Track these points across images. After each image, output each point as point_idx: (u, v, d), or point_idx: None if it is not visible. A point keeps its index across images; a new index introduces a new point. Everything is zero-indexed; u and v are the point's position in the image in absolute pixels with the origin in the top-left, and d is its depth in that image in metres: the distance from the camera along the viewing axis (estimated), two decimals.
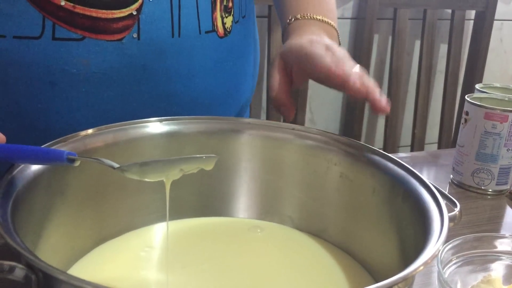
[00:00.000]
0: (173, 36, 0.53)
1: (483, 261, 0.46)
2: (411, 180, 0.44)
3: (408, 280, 0.34)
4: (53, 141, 0.43)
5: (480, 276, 0.44)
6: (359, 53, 1.37)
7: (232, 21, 0.60)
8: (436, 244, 0.34)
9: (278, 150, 0.52)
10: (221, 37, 0.58)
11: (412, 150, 1.47)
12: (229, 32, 0.60)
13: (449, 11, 1.44)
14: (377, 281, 0.45)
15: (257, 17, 0.74)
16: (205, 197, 0.52)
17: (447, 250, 0.46)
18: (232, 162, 0.52)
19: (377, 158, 0.47)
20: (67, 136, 0.44)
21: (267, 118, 1.31)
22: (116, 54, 0.51)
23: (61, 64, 0.50)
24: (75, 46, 0.50)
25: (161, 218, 0.51)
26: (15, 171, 0.38)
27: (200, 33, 0.55)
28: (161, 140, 0.49)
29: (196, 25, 0.55)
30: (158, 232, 0.50)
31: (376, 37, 1.43)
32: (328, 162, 0.50)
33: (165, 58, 0.53)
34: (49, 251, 0.40)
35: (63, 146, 0.43)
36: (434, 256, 0.33)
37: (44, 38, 0.49)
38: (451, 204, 0.42)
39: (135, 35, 0.51)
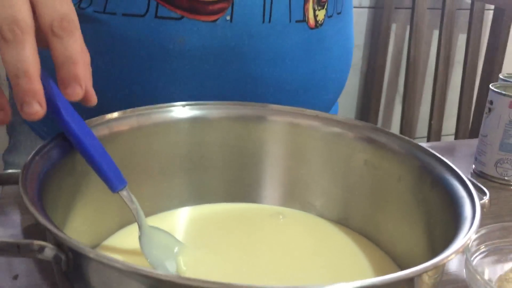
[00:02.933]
0: (263, 22, 0.56)
1: (511, 251, 0.46)
2: (439, 167, 0.43)
3: (439, 268, 0.34)
4: None
5: (509, 266, 0.44)
6: (376, 42, 1.35)
7: (325, 15, 0.61)
8: (469, 231, 0.33)
9: (302, 136, 0.51)
10: (311, 28, 0.60)
11: (428, 141, 1.46)
12: (321, 24, 0.61)
13: (469, 1, 1.42)
14: (403, 270, 0.44)
15: None
16: (228, 183, 0.52)
17: (474, 239, 0.45)
18: (255, 148, 0.52)
19: (403, 145, 0.47)
20: (92, 119, 0.44)
21: None
22: (210, 35, 0.54)
23: (160, 40, 0.54)
24: (174, 25, 0.54)
25: (185, 203, 0.51)
26: (42, 152, 0.38)
27: (290, 21, 0.57)
28: (185, 125, 0.49)
29: (287, 13, 0.57)
30: (181, 216, 0.50)
31: (393, 27, 1.41)
32: (352, 149, 0.50)
33: (254, 41, 0.56)
34: (74, 234, 0.40)
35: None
36: (466, 244, 0.33)
37: (148, 16, 0.54)
38: (479, 192, 0.42)
39: (228, 18, 0.54)
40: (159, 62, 0.55)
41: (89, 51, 0.38)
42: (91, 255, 0.29)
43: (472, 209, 0.36)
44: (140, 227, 0.42)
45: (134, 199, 0.41)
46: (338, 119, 0.50)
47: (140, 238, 0.42)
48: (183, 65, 0.55)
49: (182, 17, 0.54)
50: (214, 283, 0.26)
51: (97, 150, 0.39)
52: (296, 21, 0.58)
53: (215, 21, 0.54)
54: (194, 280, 0.26)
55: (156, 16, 0.53)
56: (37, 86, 0.34)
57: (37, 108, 0.34)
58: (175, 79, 0.56)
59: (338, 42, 0.65)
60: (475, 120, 1.48)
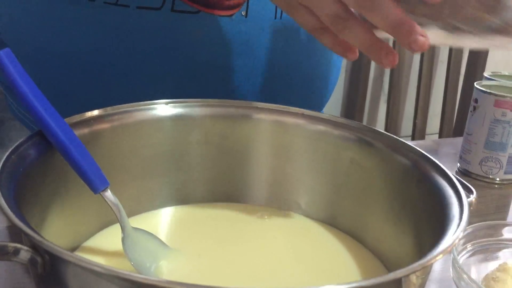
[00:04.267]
0: (275, 18, 0.58)
1: (497, 249, 0.45)
2: (425, 165, 0.43)
3: (427, 268, 0.33)
4: None
5: (495, 264, 0.44)
6: None
7: None
8: (457, 230, 0.33)
9: (287, 135, 0.50)
10: None
11: (413, 140, 1.46)
12: None
13: None
14: (390, 270, 0.44)
15: None
16: (212, 183, 0.51)
17: (460, 238, 0.44)
18: (239, 147, 0.51)
19: (389, 143, 0.46)
20: (72, 117, 0.43)
21: None
22: (225, 28, 0.55)
23: (176, 34, 0.55)
24: (190, 19, 0.54)
25: (168, 203, 0.50)
26: (19, 151, 0.37)
27: None
28: (168, 123, 0.48)
29: None
30: (164, 217, 0.49)
31: None
32: (338, 147, 0.49)
33: (266, 34, 0.58)
34: (53, 235, 0.38)
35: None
36: (455, 244, 0.32)
37: (164, 10, 0.54)
38: (466, 190, 0.41)
39: (243, 13, 0.56)
40: (174, 55, 0.56)
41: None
42: (68, 258, 0.27)
43: (459, 208, 0.36)
44: (123, 229, 0.41)
45: (117, 200, 0.40)
46: (323, 117, 0.50)
47: (123, 240, 0.41)
48: (198, 58, 0.56)
49: (199, 11, 0.54)
50: (196, 286, 0.25)
51: (78, 150, 0.38)
52: None
53: (231, 16, 0.56)
54: (176, 283, 0.25)
55: (172, 10, 0.54)
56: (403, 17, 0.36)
57: (422, 39, 0.36)
58: (189, 72, 0.57)
59: None
60: (458, 119, 1.49)
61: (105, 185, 0.39)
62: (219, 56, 0.57)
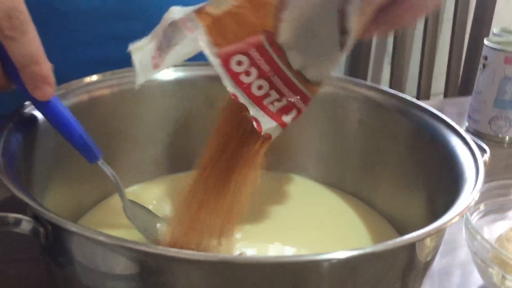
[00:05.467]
0: None
1: (510, 209, 0.44)
2: (437, 124, 0.41)
3: (442, 231, 0.32)
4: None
5: (508, 224, 0.43)
6: None
7: None
8: (473, 191, 0.32)
9: None
10: None
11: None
12: None
13: None
14: (401, 234, 0.43)
15: None
16: None
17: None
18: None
19: (397, 103, 0.45)
20: (70, 82, 0.41)
21: None
22: None
23: (52, 2, 0.49)
24: None
25: (172, 170, 0.48)
26: (19, 117, 0.35)
27: None
28: (170, 87, 0.46)
29: None
30: (167, 185, 0.48)
31: None
32: (345, 108, 0.47)
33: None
34: (55, 205, 0.37)
35: (67, 93, 0.40)
36: (471, 205, 0.31)
37: None
38: (479, 150, 0.40)
39: None
40: (55, 27, 0.50)
41: None
42: (72, 228, 0.26)
43: (475, 168, 0.34)
44: (122, 198, 0.40)
45: (111, 170, 0.38)
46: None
47: (124, 208, 0.40)
48: (81, 27, 0.51)
49: None
50: (201, 255, 0.24)
51: (71, 120, 0.35)
52: None
53: None
54: (183, 252, 0.24)
55: None
56: (46, 67, 0.32)
57: (49, 90, 0.33)
58: (76, 45, 0.52)
59: None
60: (464, 78, 1.46)
61: (100, 154, 0.37)
62: (105, 23, 0.52)
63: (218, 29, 0.32)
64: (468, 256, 0.44)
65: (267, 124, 0.33)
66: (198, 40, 0.32)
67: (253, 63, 0.32)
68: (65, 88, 0.40)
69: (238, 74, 0.32)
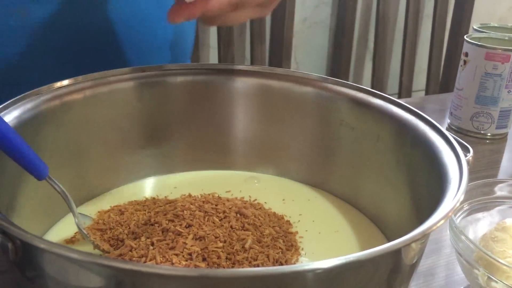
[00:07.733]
0: None
1: (494, 208, 0.44)
2: (420, 124, 0.41)
3: (427, 235, 0.32)
4: (24, 94, 0.38)
5: (492, 224, 0.42)
6: None
7: None
8: (457, 193, 0.31)
9: (274, 98, 0.48)
10: None
11: (399, 98, 1.44)
12: None
13: None
14: (386, 235, 0.42)
15: None
16: (196, 150, 0.49)
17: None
18: (224, 112, 0.48)
19: (380, 102, 0.44)
20: (41, 88, 0.39)
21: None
22: (51, 7, 0.47)
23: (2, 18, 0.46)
24: None
25: (151, 174, 0.47)
26: None
27: None
28: (145, 91, 0.45)
29: None
30: (147, 187, 0.47)
31: None
32: (326, 109, 0.47)
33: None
34: (25, 216, 0.36)
35: (37, 99, 0.38)
36: (456, 207, 0.30)
37: None
38: (462, 149, 0.39)
39: None
40: (7, 43, 0.48)
41: None
42: (41, 245, 0.25)
43: (458, 168, 0.34)
44: (73, 213, 0.38)
45: (60, 186, 0.37)
46: (311, 77, 0.47)
47: (77, 223, 0.38)
48: (30, 41, 0.48)
49: None
50: (178, 270, 0.23)
51: (13, 139, 0.32)
52: None
53: None
54: (157, 267, 0.23)
55: None
56: None
57: None
58: (27, 57, 0.49)
59: None
60: (444, 74, 1.47)
61: (46, 170, 0.35)
62: (57, 34, 0.50)
63: None
64: (453, 256, 0.44)
65: None
66: None
67: None
68: (35, 94, 0.39)
69: None
